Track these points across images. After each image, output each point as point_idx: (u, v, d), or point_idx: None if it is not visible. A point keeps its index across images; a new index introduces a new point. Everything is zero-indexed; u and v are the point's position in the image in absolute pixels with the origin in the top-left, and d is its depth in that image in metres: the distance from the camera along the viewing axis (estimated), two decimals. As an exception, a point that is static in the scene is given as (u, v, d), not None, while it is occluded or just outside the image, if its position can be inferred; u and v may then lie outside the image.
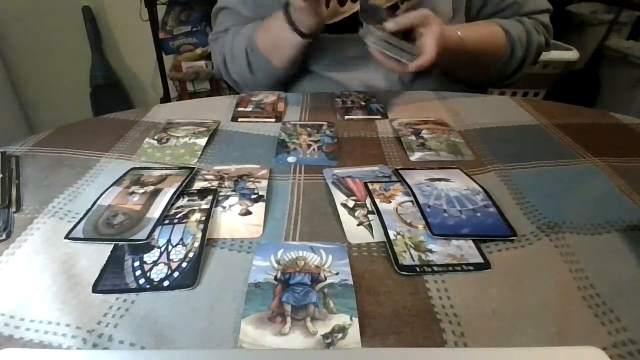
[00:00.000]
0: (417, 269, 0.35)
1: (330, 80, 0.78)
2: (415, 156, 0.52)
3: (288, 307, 0.31)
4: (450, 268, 0.35)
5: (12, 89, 1.89)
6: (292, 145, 0.55)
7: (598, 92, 1.87)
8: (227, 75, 0.83)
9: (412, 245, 0.37)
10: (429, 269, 0.35)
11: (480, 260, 0.36)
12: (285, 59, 0.73)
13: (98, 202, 0.43)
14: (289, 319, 0.30)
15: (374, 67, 0.75)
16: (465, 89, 0.77)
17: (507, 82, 0.82)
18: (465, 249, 0.37)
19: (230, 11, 0.80)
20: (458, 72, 0.78)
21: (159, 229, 0.39)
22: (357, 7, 0.64)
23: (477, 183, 0.46)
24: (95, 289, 0.33)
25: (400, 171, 0.48)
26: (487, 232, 0.39)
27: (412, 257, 0.36)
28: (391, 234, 0.38)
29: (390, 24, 0.60)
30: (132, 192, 0.44)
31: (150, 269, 0.35)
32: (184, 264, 0.35)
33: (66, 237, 0.38)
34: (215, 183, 0.46)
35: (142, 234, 0.38)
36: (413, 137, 0.56)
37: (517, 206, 0.43)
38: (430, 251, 0.37)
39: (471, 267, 0.35)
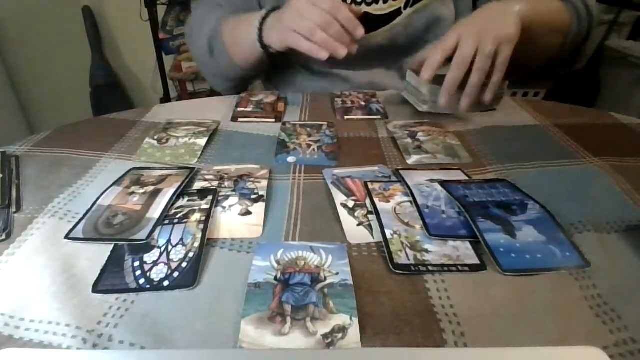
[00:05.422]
0: (412, 268, 0.35)
1: (336, 77, 0.78)
2: (412, 159, 0.52)
3: (288, 307, 0.31)
4: (446, 268, 0.35)
5: (12, 89, 1.88)
6: (292, 145, 0.55)
7: (598, 92, 1.86)
8: (194, 57, 0.80)
9: (409, 245, 0.37)
10: (424, 269, 0.35)
11: (476, 261, 0.36)
12: (243, 59, 0.71)
13: (98, 202, 0.43)
14: (289, 319, 0.30)
15: (378, 64, 0.76)
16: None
17: (581, 59, 0.77)
18: (462, 250, 0.37)
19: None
20: (531, 54, 0.68)
21: (159, 229, 0.39)
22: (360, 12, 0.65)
23: (477, 183, 0.46)
24: (95, 289, 0.33)
25: (401, 171, 0.48)
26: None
27: (407, 256, 0.36)
28: (388, 233, 0.38)
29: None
30: (132, 192, 0.44)
31: (150, 269, 0.35)
32: (184, 264, 0.35)
33: (66, 237, 0.38)
34: (215, 183, 0.46)
35: (142, 234, 0.38)
36: (409, 140, 0.56)
37: (517, 206, 0.43)
38: (426, 251, 0.37)
39: (467, 268, 0.35)
